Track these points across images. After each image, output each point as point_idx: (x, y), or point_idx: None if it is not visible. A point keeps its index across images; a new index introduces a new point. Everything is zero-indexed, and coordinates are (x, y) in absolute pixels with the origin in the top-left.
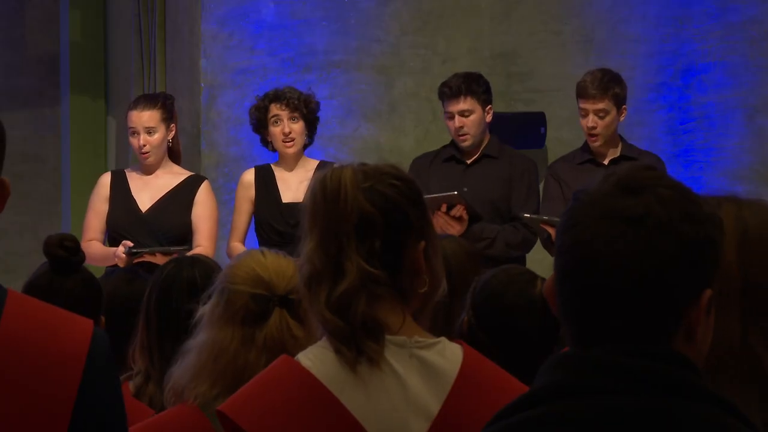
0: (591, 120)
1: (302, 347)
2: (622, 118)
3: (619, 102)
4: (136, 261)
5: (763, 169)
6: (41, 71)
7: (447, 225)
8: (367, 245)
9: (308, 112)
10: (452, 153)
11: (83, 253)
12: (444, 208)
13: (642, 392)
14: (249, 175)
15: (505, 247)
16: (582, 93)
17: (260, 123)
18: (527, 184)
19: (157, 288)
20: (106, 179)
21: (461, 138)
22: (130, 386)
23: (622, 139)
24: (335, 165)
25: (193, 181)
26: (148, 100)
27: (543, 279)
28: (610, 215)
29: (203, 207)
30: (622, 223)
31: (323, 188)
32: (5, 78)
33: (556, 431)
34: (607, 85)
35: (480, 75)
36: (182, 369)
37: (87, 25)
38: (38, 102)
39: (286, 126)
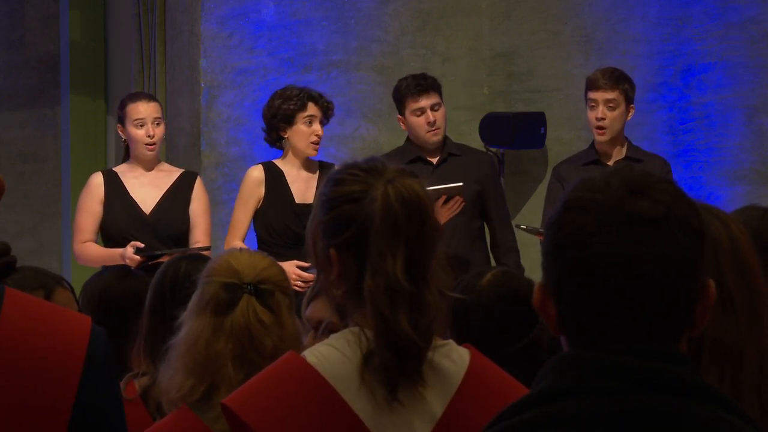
0: (600, 111)
1: (271, 335)
2: (629, 117)
3: (628, 99)
4: (153, 263)
5: (763, 169)
6: (41, 71)
7: (449, 215)
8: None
9: (327, 120)
10: (417, 154)
11: None
12: (442, 199)
13: (643, 392)
14: (258, 172)
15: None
16: (592, 85)
17: (289, 115)
18: (494, 188)
19: (161, 288)
20: (98, 179)
21: (433, 132)
22: (136, 386)
23: (628, 140)
24: (401, 173)
25: (189, 177)
26: (148, 94)
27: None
28: (631, 219)
29: (200, 202)
30: (646, 226)
31: (404, 203)
32: (5, 78)
33: None
34: (618, 78)
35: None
36: (164, 366)
37: (87, 25)
38: (38, 102)
39: (319, 129)
